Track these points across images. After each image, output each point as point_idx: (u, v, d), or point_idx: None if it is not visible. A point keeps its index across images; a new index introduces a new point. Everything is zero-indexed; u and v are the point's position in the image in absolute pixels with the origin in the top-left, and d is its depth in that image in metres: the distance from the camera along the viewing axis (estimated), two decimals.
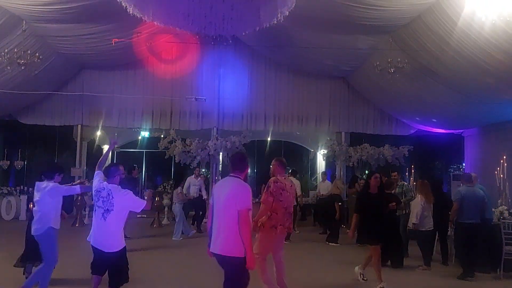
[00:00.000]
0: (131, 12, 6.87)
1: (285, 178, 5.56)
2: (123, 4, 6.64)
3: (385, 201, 6.74)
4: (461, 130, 14.51)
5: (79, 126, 14.72)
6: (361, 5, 8.35)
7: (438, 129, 14.84)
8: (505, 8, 6.37)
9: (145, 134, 16.47)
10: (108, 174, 4.76)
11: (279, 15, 6.90)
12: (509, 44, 7.36)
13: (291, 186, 5.58)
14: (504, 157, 9.40)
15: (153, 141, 15.60)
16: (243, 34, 8.08)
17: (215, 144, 13.68)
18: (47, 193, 5.41)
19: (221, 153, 13.92)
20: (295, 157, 19.65)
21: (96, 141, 16.17)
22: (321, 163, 16.52)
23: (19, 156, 15.51)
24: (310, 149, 17.77)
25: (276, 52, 13.50)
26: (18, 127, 15.04)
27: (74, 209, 12.74)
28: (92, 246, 4.76)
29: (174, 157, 13.93)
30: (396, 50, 9.89)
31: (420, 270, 7.61)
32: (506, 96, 9.51)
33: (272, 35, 11.31)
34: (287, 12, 6.94)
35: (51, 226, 5.42)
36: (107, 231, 4.61)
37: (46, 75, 12.25)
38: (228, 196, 3.93)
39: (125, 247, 4.77)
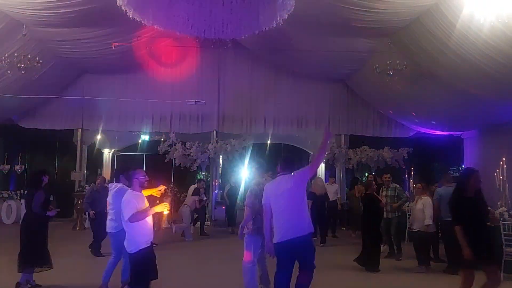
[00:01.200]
0: (131, 16, 6.89)
1: (265, 179, 5.78)
2: (123, 8, 6.66)
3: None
4: (461, 132, 14.53)
5: (79, 130, 14.77)
6: (359, 8, 8.38)
7: (438, 131, 14.87)
8: (504, 10, 6.40)
9: (145, 137, 16.48)
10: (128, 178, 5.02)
11: (278, 19, 6.92)
12: (508, 46, 7.38)
13: None
14: (504, 158, 9.40)
15: (153, 144, 15.61)
16: (243, 37, 8.09)
17: (215, 147, 13.70)
18: (114, 194, 5.74)
19: (221, 156, 13.93)
20: (294, 159, 19.64)
21: (96, 145, 16.18)
22: (320, 166, 16.52)
23: (20, 160, 15.53)
24: (310, 152, 17.77)
25: (275, 55, 13.53)
26: (19, 131, 15.05)
27: (75, 213, 12.74)
28: None
29: (174, 161, 13.94)
30: (395, 52, 9.92)
31: (419, 271, 7.60)
32: (505, 98, 9.53)
33: (271, 38, 11.34)
34: (286, 16, 6.97)
35: None
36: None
37: (46, 79, 12.28)
38: (290, 187, 4.62)
39: (136, 252, 4.60)
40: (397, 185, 9.44)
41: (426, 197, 7.90)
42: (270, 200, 4.68)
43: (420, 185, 8.42)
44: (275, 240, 4.55)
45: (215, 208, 14.57)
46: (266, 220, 4.69)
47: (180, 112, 14.70)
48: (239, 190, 12.88)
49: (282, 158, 5.28)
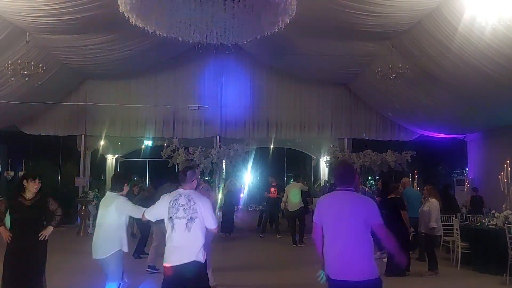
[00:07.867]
0: (133, 23, 6.93)
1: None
2: (125, 14, 6.70)
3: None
4: (464, 135, 14.49)
5: (83, 136, 14.81)
6: (361, 12, 8.39)
7: (441, 134, 14.83)
8: (506, 13, 6.40)
9: (148, 143, 16.53)
10: (186, 179, 4.06)
11: (280, 23, 6.95)
12: (510, 48, 7.38)
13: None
14: (508, 161, 9.36)
15: (156, 150, 15.65)
16: (245, 42, 8.10)
17: (218, 152, 13.69)
18: (114, 208, 4.55)
19: (224, 161, 13.93)
20: (298, 164, 19.66)
21: (100, 151, 16.23)
22: (324, 170, 16.50)
23: (23, 166, 15.56)
24: (313, 156, 17.77)
25: (277, 59, 13.55)
26: (22, 138, 15.12)
27: (79, 219, 12.75)
28: (173, 270, 3.83)
29: (177, 166, 13.94)
30: (397, 56, 9.93)
31: (427, 276, 7.53)
32: (508, 100, 9.51)
33: (273, 43, 11.37)
34: (288, 20, 6.99)
35: (120, 248, 4.55)
36: (193, 241, 3.89)
37: (49, 85, 12.32)
38: (355, 213, 3.38)
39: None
40: None
41: (433, 199, 7.82)
42: (326, 220, 3.46)
43: (427, 187, 8.34)
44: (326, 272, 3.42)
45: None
46: (318, 240, 3.52)
47: (182, 118, 14.73)
48: (239, 193, 12.85)
49: (337, 168, 3.98)
